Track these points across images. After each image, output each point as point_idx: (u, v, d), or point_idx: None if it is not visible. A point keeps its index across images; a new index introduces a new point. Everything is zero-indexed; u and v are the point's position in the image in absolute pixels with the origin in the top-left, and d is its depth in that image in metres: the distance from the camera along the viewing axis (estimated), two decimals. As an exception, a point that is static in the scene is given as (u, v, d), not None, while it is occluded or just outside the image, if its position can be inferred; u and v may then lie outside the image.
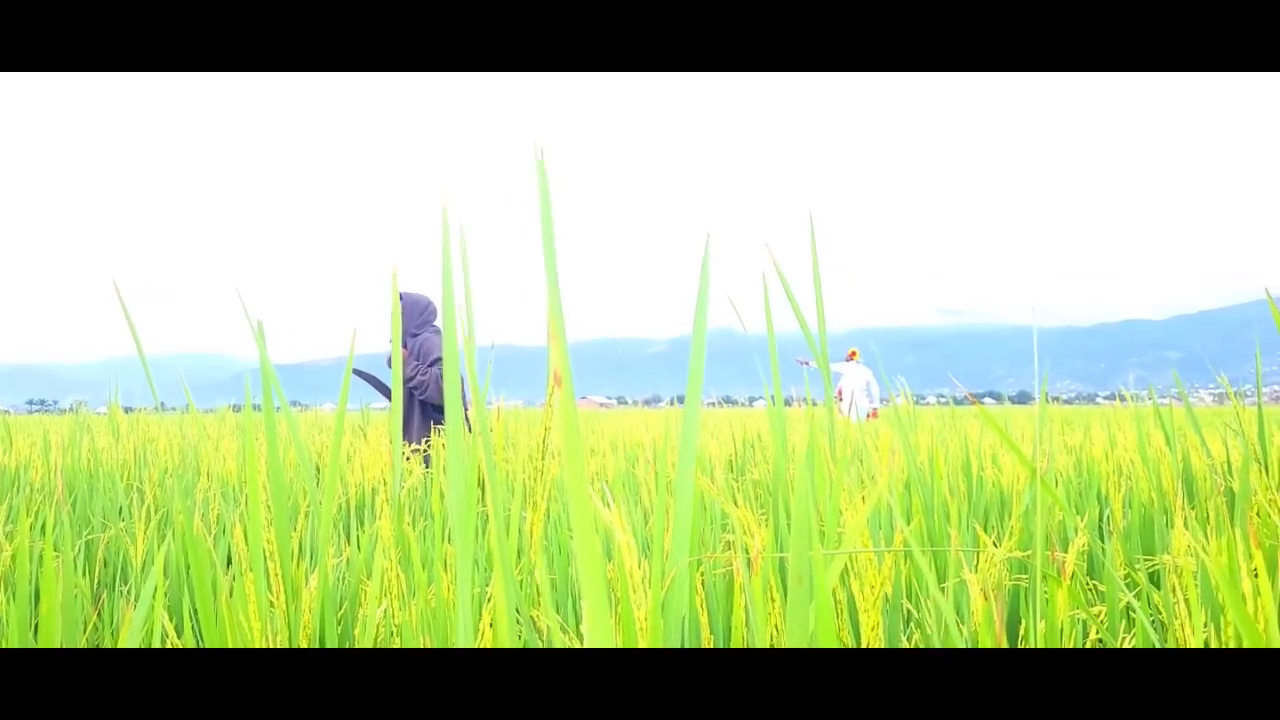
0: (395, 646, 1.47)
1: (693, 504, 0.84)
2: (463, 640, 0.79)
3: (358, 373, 5.15)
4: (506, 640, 0.77)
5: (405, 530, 1.45)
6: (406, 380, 4.97)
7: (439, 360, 4.97)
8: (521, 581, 1.74)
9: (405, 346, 5.09)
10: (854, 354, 13.76)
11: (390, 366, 1.37)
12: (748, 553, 1.49)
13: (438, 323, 5.32)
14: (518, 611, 1.29)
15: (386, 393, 5.15)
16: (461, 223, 0.74)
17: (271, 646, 1.32)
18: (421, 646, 1.31)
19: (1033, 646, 1.23)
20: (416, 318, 5.19)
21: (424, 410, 5.06)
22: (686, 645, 1.27)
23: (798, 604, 0.71)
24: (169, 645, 1.47)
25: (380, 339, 5.30)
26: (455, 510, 0.77)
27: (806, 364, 13.69)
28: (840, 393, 13.75)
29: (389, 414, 5.22)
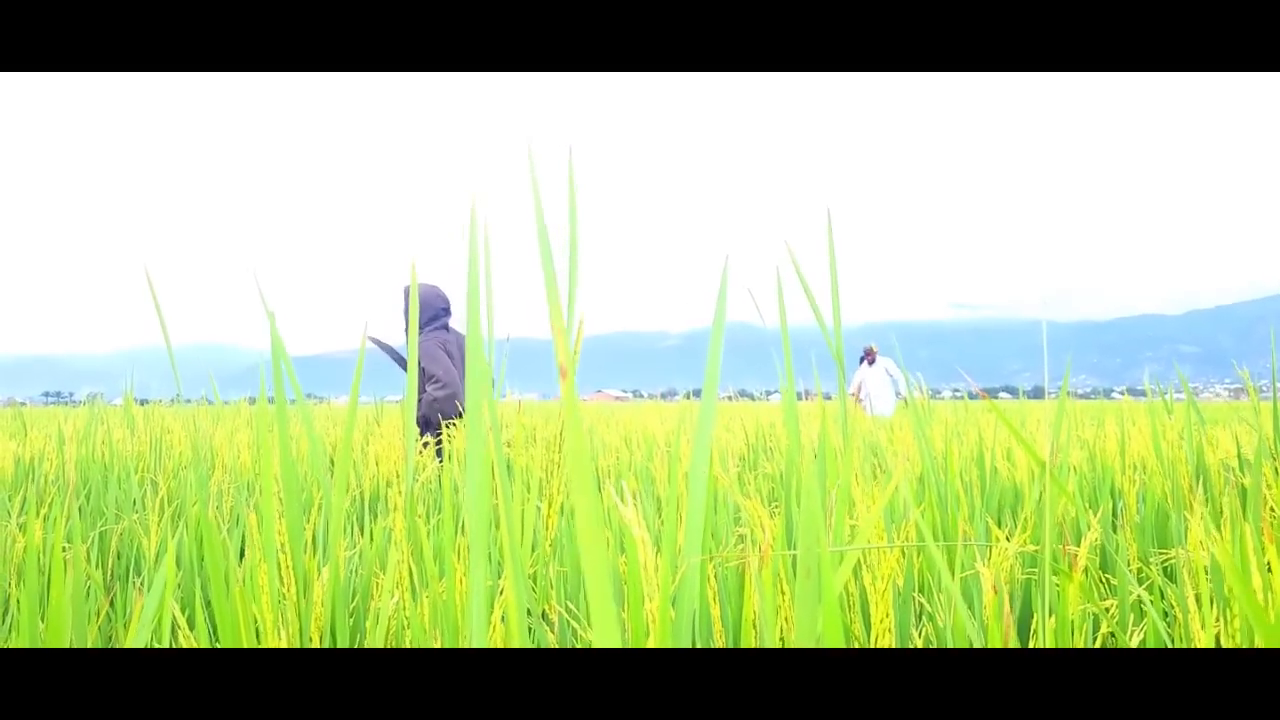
0: (406, 639, 1.48)
1: (706, 498, 0.84)
2: (475, 634, 0.80)
3: (374, 341, 5.14)
4: (517, 636, 0.78)
5: (417, 523, 1.45)
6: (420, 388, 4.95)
7: (430, 378, 4.97)
8: (536, 574, 1.74)
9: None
10: (873, 349, 13.62)
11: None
12: (759, 547, 1.49)
13: (448, 320, 5.29)
14: (530, 612, 1.30)
15: (402, 363, 5.13)
16: (486, 221, 0.74)
17: (283, 637, 1.33)
18: (431, 639, 1.32)
19: (1043, 641, 1.22)
20: (426, 314, 5.16)
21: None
22: (697, 639, 1.28)
23: (805, 599, 0.72)
24: (181, 636, 1.48)
25: (393, 332, 5.30)
26: (471, 504, 0.77)
27: (871, 358, 13.58)
28: (860, 388, 13.67)
29: (402, 406, 5.23)
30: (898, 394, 13.34)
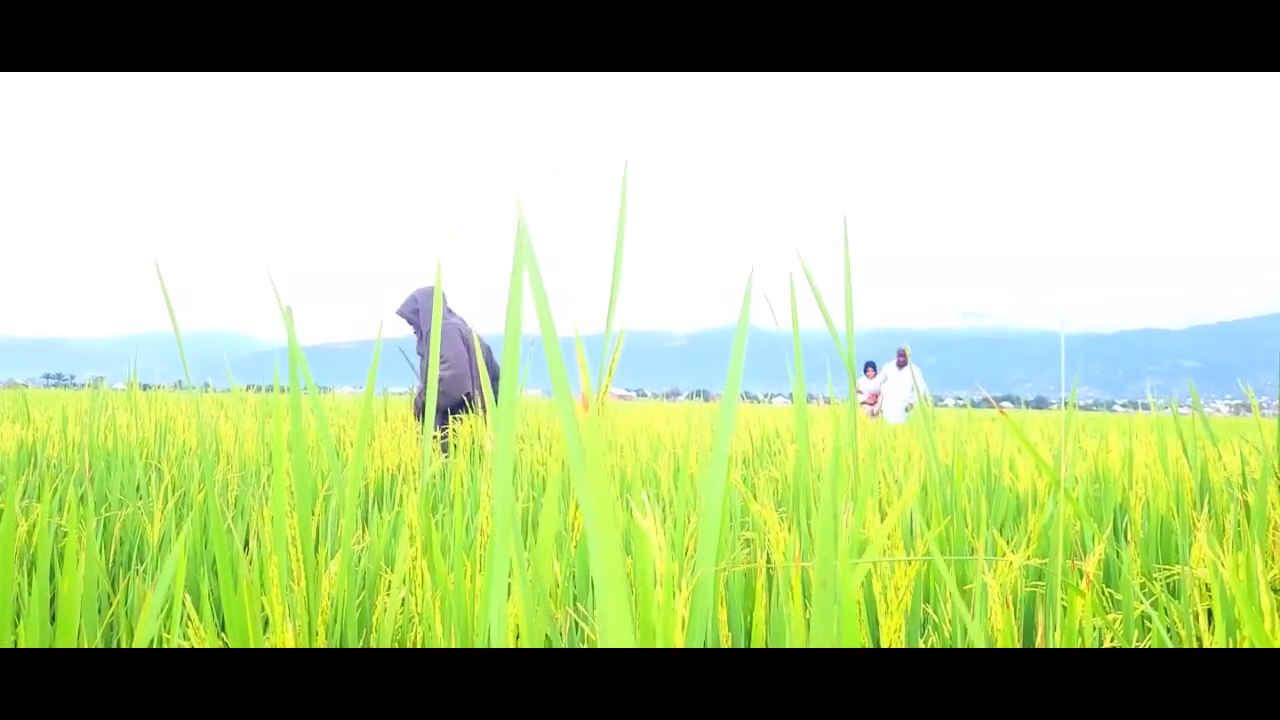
0: (415, 633, 1.48)
1: (722, 508, 0.85)
2: (495, 629, 0.80)
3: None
4: (528, 635, 0.78)
5: (429, 518, 1.46)
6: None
7: (440, 360, 5.04)
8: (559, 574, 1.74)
9: (423, 335, 5.27)
10: (905, 352, 13.42)
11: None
12: (769, 555, 1.50)
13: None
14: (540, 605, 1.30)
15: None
16: (525, 224, 0.74)
17: (290, 630, 1.33)
18: (441, 634, 1.32)
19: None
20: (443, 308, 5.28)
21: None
22: (705, 642, 1.28)
23: (823, 610, 0.72)
24: (189, 627, 1.48)
25: (400, 325, 5.41)
26: (496, 504, 0.77)
27: (903, 360, 13.43)
28: (877, 396, 13.63)
29: (409, 399, 5.27)
30: (912, 402, 13.19)
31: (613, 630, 0.67)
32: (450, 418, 4.81)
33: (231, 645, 1.17)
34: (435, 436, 4.75)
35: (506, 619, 1.32)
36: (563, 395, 0.66)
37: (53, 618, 1.93)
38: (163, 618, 1.26)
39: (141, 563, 2.44)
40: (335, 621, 1.39)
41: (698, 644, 0.98)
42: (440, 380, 4.98)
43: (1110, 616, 1.68)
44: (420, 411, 5.07)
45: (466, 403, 4.92)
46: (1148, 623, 1.73)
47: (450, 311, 5.39)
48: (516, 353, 0.77)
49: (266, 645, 1.28)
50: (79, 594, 1.12)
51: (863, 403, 13.82)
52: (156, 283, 1.36)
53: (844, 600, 0.72)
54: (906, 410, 13.14)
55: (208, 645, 1.29)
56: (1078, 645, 1.22)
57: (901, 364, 13.45)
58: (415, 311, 5.37)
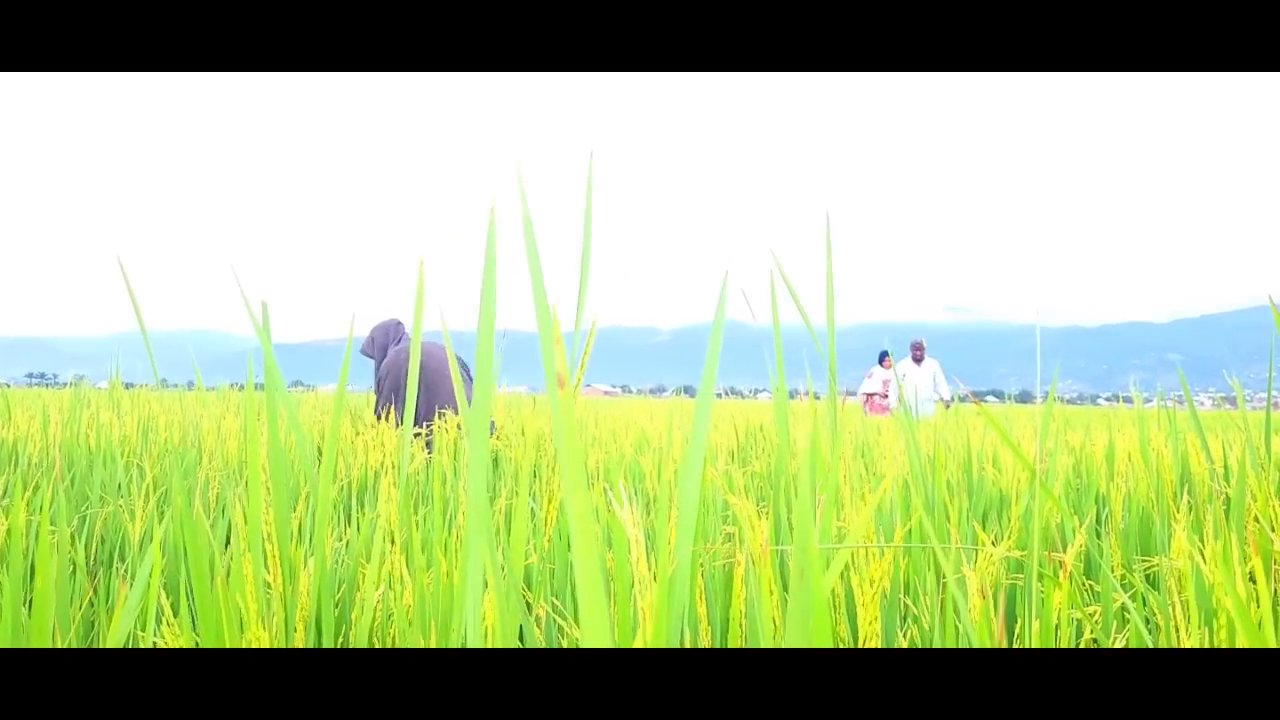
0: (391, 630, 1.48)
1: (698, 500, 0.84)
2: (471, 626, 0.79)
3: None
4: (501, 632, 0.78)
5: (408, 514, 1.45)
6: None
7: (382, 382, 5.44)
8: (530, 570, 1.74)
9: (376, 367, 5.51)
10: (922, 344, 13.10)
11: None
12: (747, 546, 1.50)
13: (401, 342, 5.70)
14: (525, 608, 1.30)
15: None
16: (493, 220, 0.74)
17: (267, 628, 1.33)
18: (417, 632, 1.32)
19: (1028, 645, 1.23)
20: (393, 336, 5.67)
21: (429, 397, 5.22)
22: (685, 636, 1.28)
23: (799, 599, 0.72)
24: (165, 625, 1.47)
25: (371, 323, 5.66)
26: (470, 499, 0.77)
27: (918, 355, 13.18)
28: (888, 385, 13.42)
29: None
30: (939, 398, 12.95)
31: (590, 626, 0.66)
32: (437, 415, 4.83)
33: (205, 643, 1.16)
34: (419, 434, 4.77)
35: (482, 615, 1.31)
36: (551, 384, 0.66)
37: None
38: (138, 614, 1.25)
39: (123, 561, 2.43)
40: (313, 618, 1.38)
41: (674, 636, 0.98)
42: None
43: (1089, 609, 1.68)
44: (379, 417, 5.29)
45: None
46: (1127, 614, 1.73)
47: (406, 336, 5.64)
48: (489, 351, 0.77)
49: (242, 643, 1.28)
50: (53, 593, 1.11)
51: (873, 394, 13.62)
52: (140, 282, 1.35)
53: (814, 592, 0.71)
54: (934, 404, 12.89)
55: (183, 642, 1.28)
56: (1055, 637, 1.22)
57: (918, 358, 13.19)
58: (372, 344, 5.65)
